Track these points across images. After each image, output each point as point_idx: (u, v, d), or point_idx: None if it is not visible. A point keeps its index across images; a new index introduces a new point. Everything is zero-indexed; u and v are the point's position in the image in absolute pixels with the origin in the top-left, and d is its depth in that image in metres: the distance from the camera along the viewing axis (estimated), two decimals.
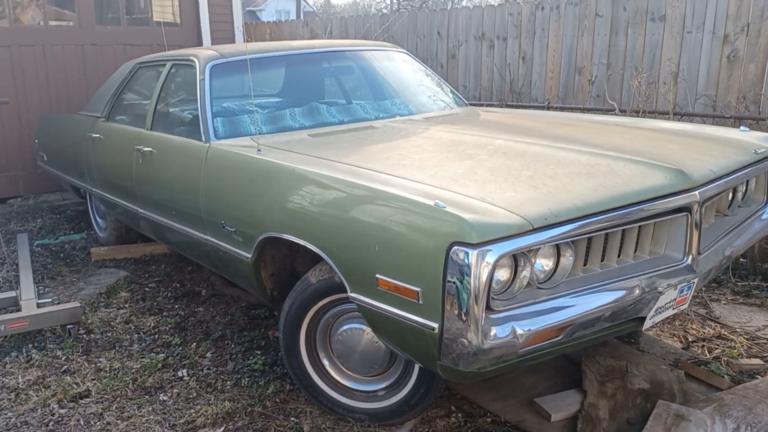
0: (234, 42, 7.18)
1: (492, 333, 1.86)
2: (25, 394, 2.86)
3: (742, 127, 3.17)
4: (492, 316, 1.89)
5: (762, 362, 2.95)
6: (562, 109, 5.02)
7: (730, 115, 4.18)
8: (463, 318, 1.85)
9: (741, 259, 4.10)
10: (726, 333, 3.26)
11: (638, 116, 4.36)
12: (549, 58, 5.22)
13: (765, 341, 3.18)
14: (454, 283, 1.84)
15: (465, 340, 1.86)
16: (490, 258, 1.81)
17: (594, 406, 2.56)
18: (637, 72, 4.63)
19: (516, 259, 1.95)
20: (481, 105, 5.38)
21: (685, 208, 2.24)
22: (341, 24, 7.07)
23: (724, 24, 4.26)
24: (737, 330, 3.30)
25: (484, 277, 1.81)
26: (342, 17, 7.38)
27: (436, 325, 1.92)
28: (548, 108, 5.10)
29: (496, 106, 5.38)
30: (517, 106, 5.27)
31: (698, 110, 4.41)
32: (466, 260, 1.82)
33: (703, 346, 3.15)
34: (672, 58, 4.53)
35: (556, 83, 5.21)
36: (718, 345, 3.16)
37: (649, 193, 2.17)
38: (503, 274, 1.95)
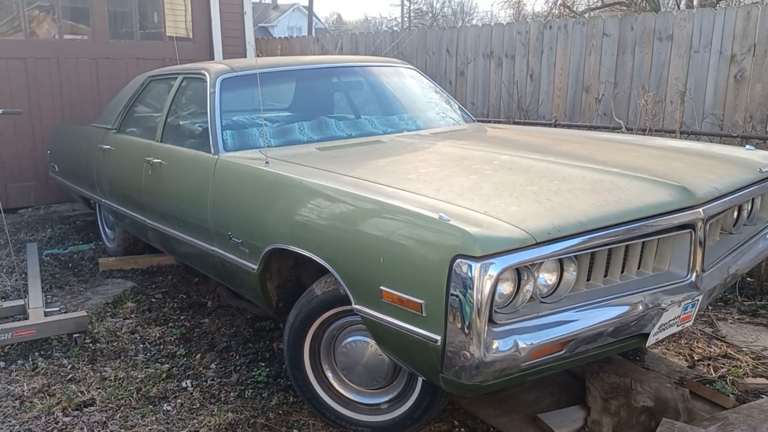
0: (245, 57, 7.27)
1: (494, 346, 1.87)
2: (30, 402, 2.88)
3: (747, 146, 3.19)
4: (494, 329, 1.89)
5: (767, 382, 2.93)
6: (569, 126, 5.04)
7: (737, 134, 4.19)
8: (466, 331, 1.86)
9: (748, 279, 4.08)
10: (732, 352, 3.25)
11: (645, 134, 4.38)
12: (556, 76, 5.26)
13: None
14: (457, 295, 1.86)
15: (467, 353, 1.86)
16: (493, 271, 1.82)
17: (597, 422, 2.55)
18: (644, 91, 4.65)
19: (519, 273, 1.96)
20: (489, 122, 5.41)
21: (689, 225, 2.25)
22: (352, 40, 7.15)
23: (731, 44, 4.29)
24: (743, 349, 3.28)
25: (486, 290, 1.82)
26: (353, 34, 7.47)
27: (439, 338, 1.93)
28: (555, 125, 5.12)
29: (503, 123, 5.41)
30: (524, 124, 5.30)
31: (705, 129, 4.42)
32: (469, 273, 1.83)
33: (708, 364, 3.13)
34: (679, 77, 4.56)
35: (564, 101, 5.24)
36: (723, 364, 3.14)
37: (653, 210, 2.18)
38: (506, 288, 1.96)
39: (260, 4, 37.85)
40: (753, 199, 2.86)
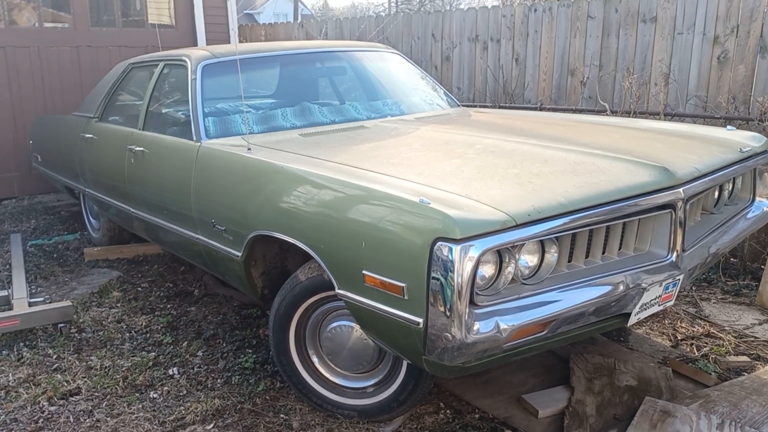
0: (229, 43, 7.20)
1: (475, 328, 1.87)
2: (15, 392, 2.87)
3: (728, 126, 3.20)
4: (476, 311, 1.90)
5: (749, 359, 2.97)
6: (554, 110, 5.04)
7: (720, 115, 4.20)
8: (447, 313, 1.86)
9: (731, 259, 4.12)
10: (715, 331, 3.28)
11: (630, 117, 4.38)
12: (542, 59, 5.25)
13: (752, 339, 3.20)
14: (438, 278, 1.86)
15: (449, 335, 1.87)
16: (473, 253, 1.82)
17: (581, 402, 2.57)
18: (628, 73, 4.66)
19: (500, 255, 1.97)
20: (475, 106, 5.40)
21: (670, 205, 2.26)
22: (336, 26, 7.09)
23: (714, 25, 4.29)
24: (726, 328, 3.32)
25: (467, 272, 1.83)
26: (337, 19, 7.41)
27: (421, 321, 1.93)
28: (541, 109, 5.12)
29: (489, 107, 5.41)
30: (510, 108, 5.29)
31: (689, 111, 4.43)
32: (449, 255, 1.83)
33: (691, 344, 3.17)
34: (663, 59, 4.56)
35: (549, 84, 5.24)
36: (706, 343, 3.18)
37: (634, 190, 2.18)
38: (488, 270, 1.97)
39: None
40: (734, 179, 2.89)
